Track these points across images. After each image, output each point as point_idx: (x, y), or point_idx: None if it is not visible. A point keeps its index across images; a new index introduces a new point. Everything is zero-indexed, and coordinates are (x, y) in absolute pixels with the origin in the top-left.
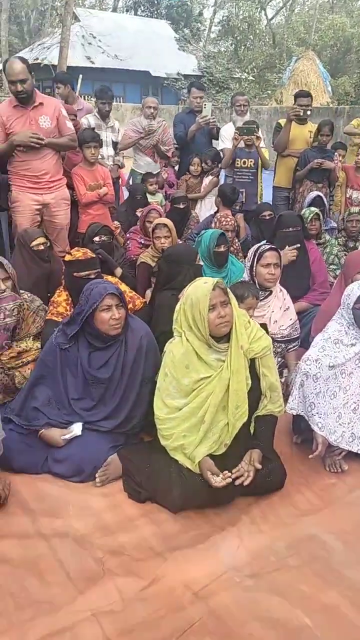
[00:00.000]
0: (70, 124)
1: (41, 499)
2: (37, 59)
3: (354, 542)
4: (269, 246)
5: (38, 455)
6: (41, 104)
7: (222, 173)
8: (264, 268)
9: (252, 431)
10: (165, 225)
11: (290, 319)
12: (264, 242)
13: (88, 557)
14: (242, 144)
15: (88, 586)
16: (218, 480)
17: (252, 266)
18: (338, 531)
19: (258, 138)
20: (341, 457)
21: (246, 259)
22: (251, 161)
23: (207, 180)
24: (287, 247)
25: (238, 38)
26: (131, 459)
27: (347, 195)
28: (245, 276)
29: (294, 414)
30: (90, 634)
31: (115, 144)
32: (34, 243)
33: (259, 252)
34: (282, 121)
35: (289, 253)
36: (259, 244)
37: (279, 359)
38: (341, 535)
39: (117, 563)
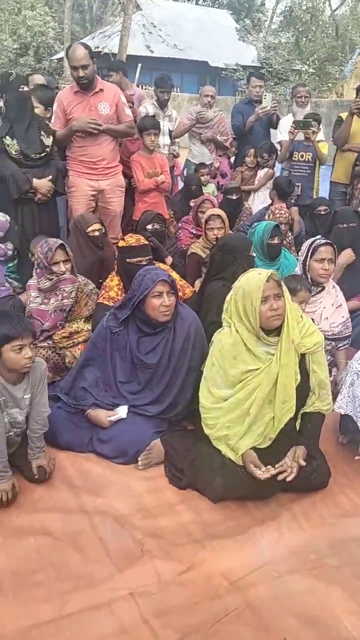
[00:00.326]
0: (129, 111)
1: (85, 477)
2: (97, 47)
3: None
4: (324, 241)
5: (84, 434)
6: (101, 90)
7: (278, 166)
8: (318, 263)
9: (297, 427)
10: (219, 216)
11: (342, 317)
12: (319, 236)
13: (128, 537)
14: (301, 137)
15: (126, 565)
16: (261, 472)
17: (305, 260)
18: None
19: (314, 132)
20: None
21: (299, 252)
22: (309, 154)
23: (261, 172)
24: (347, 248)
25: (300, 29)
26: (174, 446)
27: None
28: (298, 270)
29: (342, 413)
30: (127, 612)
31: (172, 133)
32: (89, 229)
33: (313, 246)
34: (344, 115)
35: (349, 255)
36: (313, 238)
37: (328, 357)
38: None
39: (156, 545)
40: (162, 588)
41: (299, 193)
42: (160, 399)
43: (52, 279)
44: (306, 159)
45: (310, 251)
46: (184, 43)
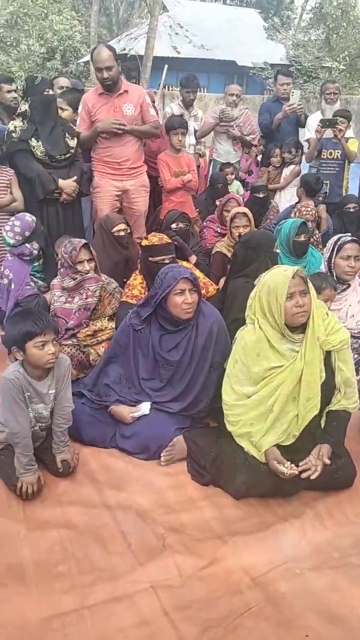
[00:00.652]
0: (153, 112)
1: (108, 472)
2: (124, 49)
3: None
4: (350, 238)
5: (107, 430)
6: (126, 91)
7: (305, 165)
8: (344, 260)
9: (322, 425)
10: (244, 214)
11: None
12: (345, 234)
13: (150, 531)
14: (329, 134)
15: (148, 559)
16: (285, 469)
17: (330, 258)
18: None
19: (340, 130)
20: None
21: (325, 250)
22: (338, 152)
23: (287, 170)
24: None
25: (330, 26)
26: (196, 442)
27: None
28: (323, 268)
29: None
30: (148, 605)
31: (196, 133)
32: (115, 229)
33: (338, 243)
34: None
35: None
36: (338, 235)
37: (356, 356)
38: None
39: (178, 540)
40: (183, 582)
41: (327, 191)
42: (182, 396)
43: (76, 278)
44: (335, 157)
45: (336, 248)
46: (211, 43)
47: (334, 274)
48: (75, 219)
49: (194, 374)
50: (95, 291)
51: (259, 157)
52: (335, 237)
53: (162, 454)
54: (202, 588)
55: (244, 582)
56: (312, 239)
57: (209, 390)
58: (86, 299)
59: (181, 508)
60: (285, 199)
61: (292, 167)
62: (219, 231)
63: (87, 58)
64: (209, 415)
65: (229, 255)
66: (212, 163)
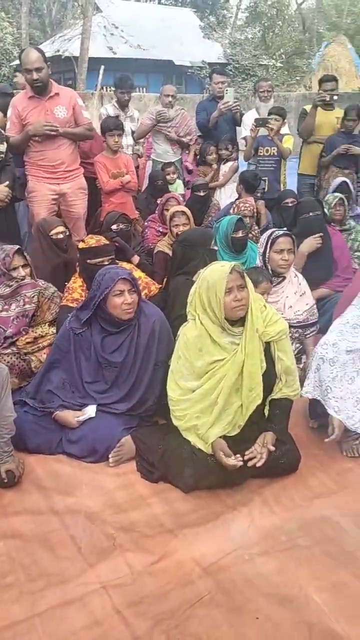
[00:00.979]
0: (87, 114)
1: (55, 478)
2: (58, 50)
3: None
4: (282, 232)
5: (52, 437)
6: (57, 94)
7: (243, 163)
8: (277, 254)
9: (266, 414)
10: (183, 212)
11: (307, 304)
12: (277, 228)
13: (99, 533)
14: (265, 132)
15: (98, 560)
16: (230, 460)
17: (264, 252)
18: (352, 514)
19: (272, 129)
20: (359, 442)
21: (259, 244)
22: (274, 149)
23: (225, 167)
24: (310, 235)
25: (266, 24)
26: (144, 441)
27: None
28: (258, 262)
29: (310, 397)
30: (99, 605)
31: (134, 134)
32: (53, 232)
33: (272, 238)
34: (308, 107)
35: (314, 241)
36: (271, 230)
37: (297, 345)
38: (355, 518)
39: (128, 539)
40: (134, 579)
41: (265, 187)
42: (128, 396)
43: (11, 285)
44: (271, 154)
45: (270, 243)
46: (148, 43)
47: (269, 267)
48: (9, 225)
49: (139, 373)
50: (33, 297)
51: (198, 156)
52: (269, 232)
53: (110, 455)
54: (153, 583)
55: (195, 573)
56: (251, 234)
57: (154, 389)
58: (24, 305)
59: (131, 507)
60: (226, 195)
61: (229, 163)
62: (161, 230)
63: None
64: (157, 413)
65: (171, 253)
66: (151, 163)
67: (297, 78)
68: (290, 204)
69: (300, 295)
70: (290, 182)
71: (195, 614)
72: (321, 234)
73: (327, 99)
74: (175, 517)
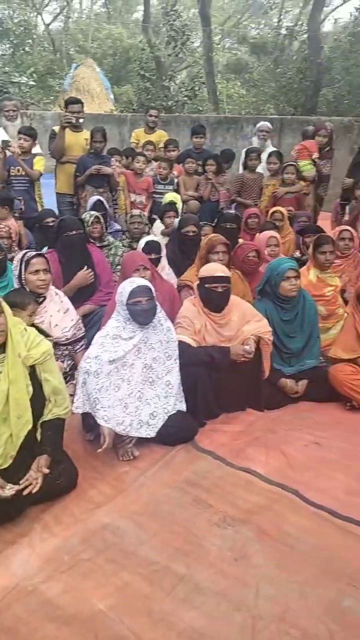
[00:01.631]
0: None
1: None
2: None
3: (144, 521)
4: (34, 253)
5: None
6: None
7: None
8: (33, 275)
9: (39, 438)
10: None
11: (72, 320)
12: (28, 250)
13: None
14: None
15: None
16: (5, 491)
17: (20, 274)
18: (130, 514)
19: (14, 152)
20: (132, 444)
21: (13, 267)
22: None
23: None
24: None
25: (15, 42)
26: None
27: (132, 199)
28: (16, 285)
29: (80, 412)
30: None
31: None
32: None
33: (25, 259)
34: (57, 128)
35: (86, 274)
36: (24, 252)
37: (69, 362)
38: (133, 518)
39: None
40: None
41: (22, 207)
42: None
43: None
44: (22, 174)
45: (24, 265)
46: None
47: (27, 288)
48: None
49: None
50: None
51: None
52: (21, 254)
53: None
54: None
55: None
56: (9, 256)
57: None
58: None
59: None
60: None
61: None
62: None
63: None
64: None
65: None
66: None
67: (52, 97)
68: (50, 223)
69: (64, 313)
70: (50, 201)
71: None
72: (90, 271)
73: (73, 121)
74: None
